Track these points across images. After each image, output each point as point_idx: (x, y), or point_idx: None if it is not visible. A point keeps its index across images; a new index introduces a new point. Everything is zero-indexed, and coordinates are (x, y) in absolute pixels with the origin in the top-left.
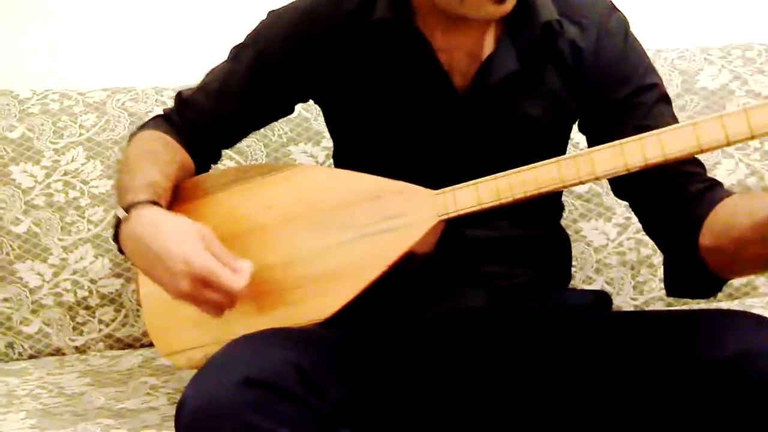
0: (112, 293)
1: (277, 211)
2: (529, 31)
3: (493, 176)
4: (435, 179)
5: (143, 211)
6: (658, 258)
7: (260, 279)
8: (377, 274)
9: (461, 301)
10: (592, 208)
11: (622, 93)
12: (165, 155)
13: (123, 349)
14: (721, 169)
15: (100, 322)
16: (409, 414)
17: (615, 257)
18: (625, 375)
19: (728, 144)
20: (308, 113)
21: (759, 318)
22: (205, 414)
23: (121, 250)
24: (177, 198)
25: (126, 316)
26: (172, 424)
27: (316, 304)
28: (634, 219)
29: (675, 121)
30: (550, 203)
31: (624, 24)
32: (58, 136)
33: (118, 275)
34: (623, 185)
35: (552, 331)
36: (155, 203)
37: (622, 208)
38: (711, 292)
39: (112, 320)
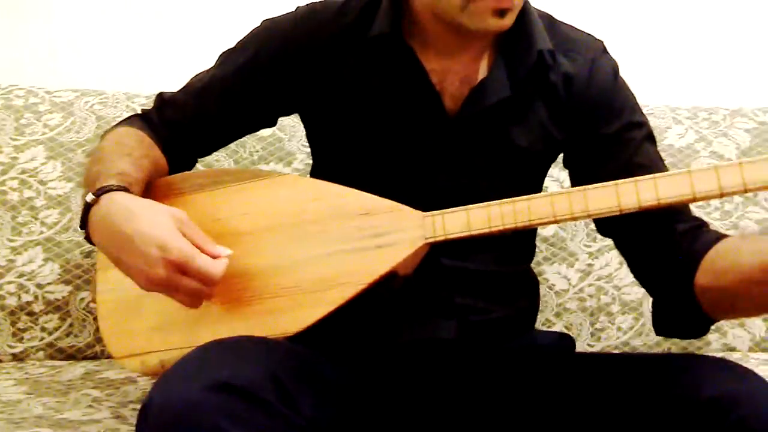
0: (58, 300)
1: (257, 218)
2: (524, 58)
3: (485, 204)
4: (418, 200)
5: (115, 195)
6: (617, 306)
7: (232, 285)
8: (356, 291)
9: (432, 331)
10: (556, 252)
11: (612, 128)
12: (138, 150)
13: (65, 359)
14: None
15: (43, 329)
16: None
17: (575, 302)
18: (602, 414)
19: (721, 195)
20: (282, 133)
21: (734, 364)
22: (173, 417)
23: (88, 239)
24: (149, 195)
25: (71, 325)
26: None
27: (291, 316)
28: (597, 266)
29: (662, 161)
30: (526, 242)
31: (614, 64)
32: (19, 133)
33: (67, 282)
34: (609, 222)
35: (524, 370)
36: (127, 190)
37: (584, 255)
38: (700, 332)
39: (56, 328)
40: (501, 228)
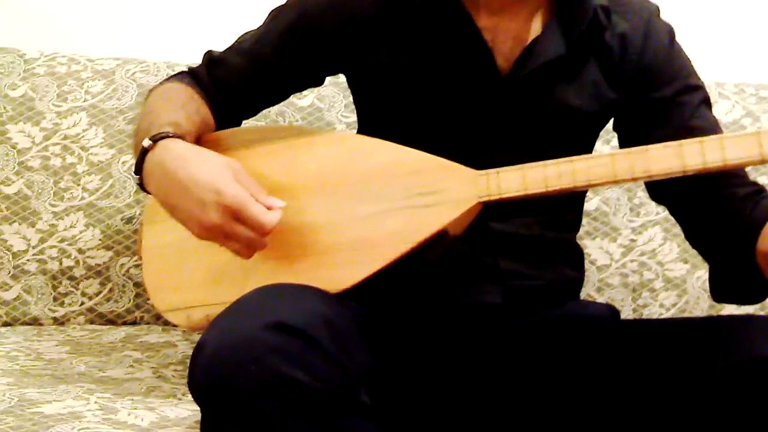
0: (99, 265)
1: (305, 175)
2: (579, 16)
3: (541, 162)
4: (468, 160)
5: (170, 142)
6: (660, 283)
7: (281, 241)
8: (406, 249)
9: (478, 296)
10: (598, 227)
11: (668, 91)
12: (190, 105)
13: (105, 324)
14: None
15: (84, 294)
16: (423, 399)
17: (617, 278)
18: (650, 380)
19: None
20: (321, 103)
21: None
22: (228, 356)
23: (141, 186)
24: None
25: (111, 290)
26: (158, 394)
27: (340, 272)
28: (640, 241)
29: (718, 125)
30: (574, 210)
31: (670, 27)
32: (62, 99)
33: (108, 247)
34: (662, 188)
35: (570, 337)
36: (182, 138)
37: (627, 230)
38: (760, 297)
39: (97, 293)
40: (558, 188)
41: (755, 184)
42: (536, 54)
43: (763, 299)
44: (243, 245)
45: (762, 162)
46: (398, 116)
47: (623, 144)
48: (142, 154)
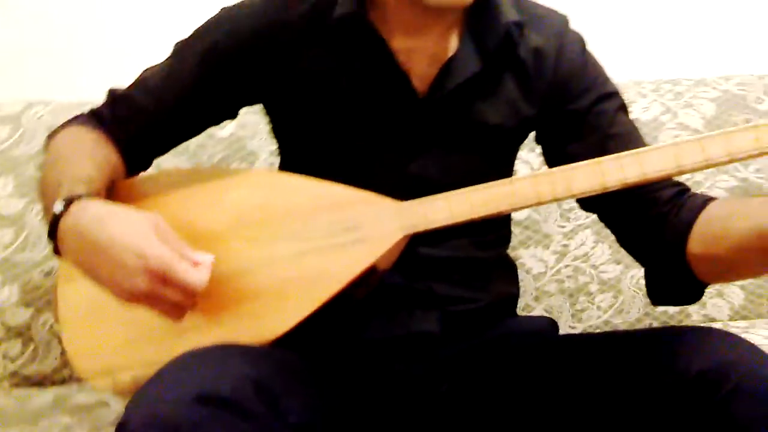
0: (20, 325)
1: (227, 218)
2: (492, 32)
3: (464, 190)
4: (390, 187)
5: (86, 203)
6: (595, 286)
7: (206, 291)
8: (336, 290)
9: (414, 326)
10: (530, 235)
11: (584, 102)
12: (98, 153)
13: (32, 386)
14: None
15: (6, 357)
16: None
17: (554, 285)
18: (592, 396)
19: (707, 166)
20: (243, 131)
21: (721, 332)
22: None
23: (56, 251)
24: (111, 199)
25: (35, 350)
26: None
27: (269, 320)
28: (572, 246)
29: (636, 130)
30: (503, 226)
31: (581, 38)
32: None
33: (27, 304)
34: (590, 197)
35: (510, 357)
36: (95, 197)
37: (559, 236)
38: (695, 297)
39: (20, 355)
40: (484, 214)
41: (679, 184)
42: (452, 73)
43: (699, 299)
44: (172, 308)
45: (680, 173)
46: (318, 144)
47: (547, 155)
48: (55, 220)
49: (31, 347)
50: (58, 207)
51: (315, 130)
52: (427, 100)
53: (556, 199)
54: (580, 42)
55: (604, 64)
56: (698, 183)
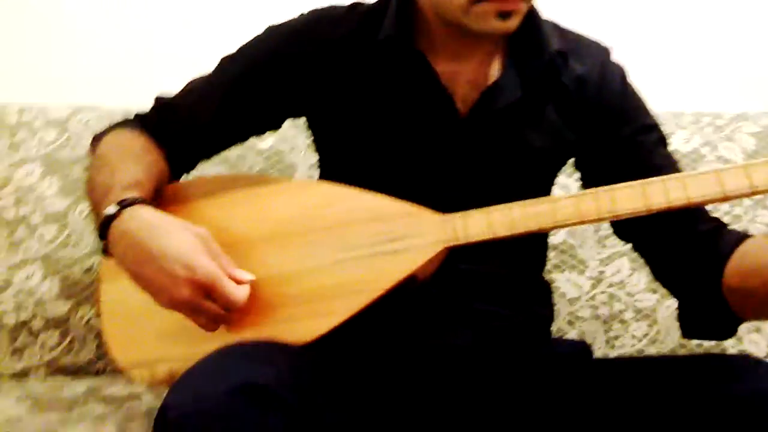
0: (59, 317)
1: (268, 225)
2: (535, 60)
3: (505, 206)
4: (431, 201)
5: (138, 210)
6: (630, 314)
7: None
8: (372, 298)
9: (448, 338)
10: (566, 259)
11: (625, 131)
12: (146, 157)
13: (66, 376)
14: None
15: (43, 347)
16: None
17: (588, 310)
18: (625, 419)
19: (753, 193)
20: (283, 145)
21: (761, 361)
22: (191, 422)
23: (105, 251)
24: (157, 203)
25: (72, 341)
26: None
27: (306, 325)
28: (608, 272)
29: (677, 163)
30: (540, 248)
31: (622, 70)
32: (14, 150)
33: (67, 298)
34: (627, 226)
35: (543, 378)
36: (147, 202)
37: (595, 262)
38: (730, 333)
39: (57, 345)
40: (524, 230)
41: (716, 219)
42: (494, 98)
43: (733, 334)
44: (210, 320)
45: (724, 200)
46: (359, 159)
47: (585, 181)
48: (107, 221)
49: (68, 339)
50: (111, 210)
51: (356, 146)
52: (468, 121)
53: (600, 219)
54: (622, 73)
55: (643, 94)
56: (737, 217)
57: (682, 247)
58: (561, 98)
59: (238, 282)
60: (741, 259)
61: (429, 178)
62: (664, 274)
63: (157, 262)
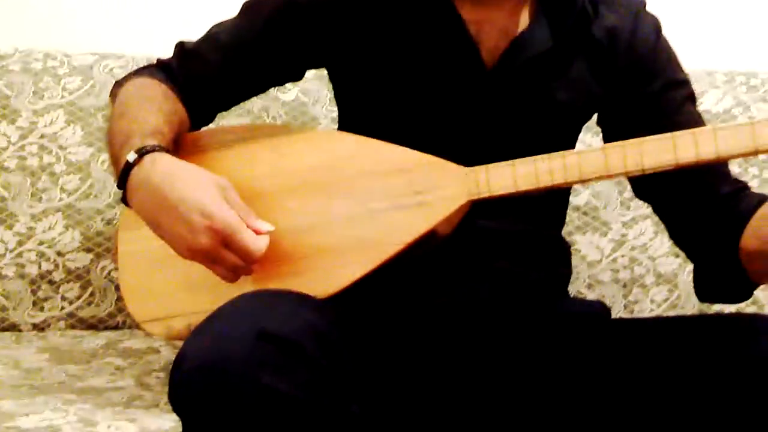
0: (79, 269)
1: (290, 176)
2: (566, 9)
3: (531, 158)
4: (453, 157)
5: (158, 157)
6: (651, 278)
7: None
8: (396, 250)
9: (466, 293)
10: (588, 221)
11: (655, 86)
12: (166, 105)
13: (86, 329)
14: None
15: (64, 299)
16: (416, 403)
17: (608, 273)
18: (642, 379)
19: None
20: (306, 97)
21: None
22: (209, 368)
23: (124, 200)
24: (175, 153)
25: (92, 294)
26: (140, 404)
27: (327, 277)
28: (630, 236)
29: (702, 122)
30: (561, 206)
31: (657, 21)
32: (38, 97)
33: (88, 250)
34: (647, 185)
35: (560, 335)
36: (167, 151)
37: (618, 225)
38: (744, 296)
39: (77, 298)
40: (550, 184)
41: (739, 181)
42: (522, 48)
43: (748, 297)
44: (229, 270)
45: (756, 153)
46: (381, 109)
47: (607, 138)
48: (126, 169)
49: (89, 291)
50: (131, 157)
51: (378, 95)
52: (495, 72)
53: (627, 173)
54: (656, 25)
55: (676, 51)
56: (766, 180)
57: (701, 209)
58: (591, 50)
59: (258, 232)
60: (760, 223)
61: (452, 129)
62: (681, 235)
63: (175, 210)
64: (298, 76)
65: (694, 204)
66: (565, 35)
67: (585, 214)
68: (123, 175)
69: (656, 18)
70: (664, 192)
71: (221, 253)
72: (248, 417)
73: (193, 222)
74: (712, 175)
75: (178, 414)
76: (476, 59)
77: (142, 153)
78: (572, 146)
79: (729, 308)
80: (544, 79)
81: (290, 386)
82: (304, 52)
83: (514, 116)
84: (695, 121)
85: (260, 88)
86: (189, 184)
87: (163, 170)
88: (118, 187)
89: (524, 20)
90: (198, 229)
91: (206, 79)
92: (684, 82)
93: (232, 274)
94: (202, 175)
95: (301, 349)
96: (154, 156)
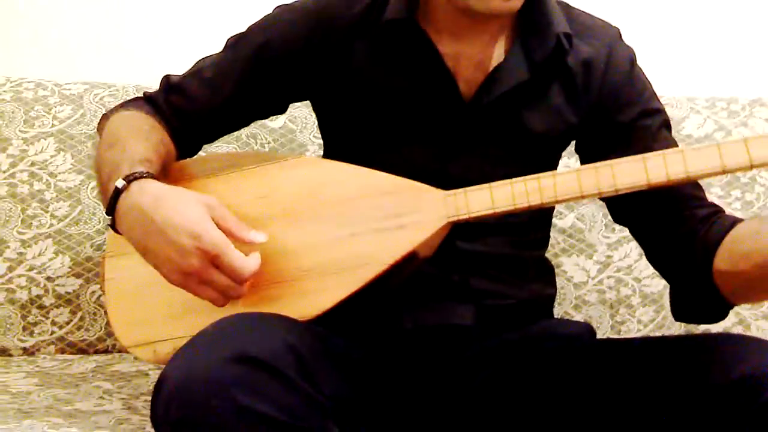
0: (69, 293)
1: (274, 201)
2: (542, 42)
3: (508, 180)
4: (434, 185)
5: (145, 183)
6: (637, 299)
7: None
8: (376, 273)
9: (449, 317)
10: (574, 243)
11: (629, 115)
12: (153, 135)
13: (76, 353)
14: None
15: (54, 323)
16: (397, 426)
17: (594, 294)
18: (631, 398)
19: (752, 167)
20: (293, 125)
21: (761, 341)
22: (189, 391)
23: (113, 226)
24: (163, 181)
25: (82, 318)
26: (126, 427)
27: (310, 300)
28: (616, 257)
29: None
30: (542, 229)
31: (631, 51)
32: (29, 126)
33: (77, 275)
34: (624, 209)
35: (543, 356)
36: (155, 178)
37: (603, 246)
38: (720, 316)
39: (67, 322)
40: (526, 205)
41: (713, 205)
42: (499, 81)
43: (723, 318)
44: (218, 293)
45: (723, 172)
46: (362, 142)
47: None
48: (115, 195)
49: (79, 315)
50: (119, 183)
51: (359, 127)
52: (471, 105)
53: (600, 194)
54: (630, 56)
55: (657, 78)
56: (749, 203)
57: (676, 232)
58: (566, 81)
59: (250, 242)
60: (732, 244)
61: (432, 160)
62: (657, 257)
63: (163, 233)
64: (281, 110)
65: (669, 227)
66: (541, 66)
67: (570, 236)
68: (112, 201)
69: (630, 49)
70: (640, 215)
71: (211, 274)
72: None
73: (182, 244)
74: (686, 199)
75: None
76: (454, 92)
77: (130, 180)
78: (553, 170)
79: (716, 327)
80: (520, 110)
81: (269, 407)
82: (286, 88)
83: (491, 146)
84: (671, 147)
85: (244, 122)
86: (176, 207)
87: (151, 195)
88: (107, 213)
89: (500, 53)
90: (187, 251)
91: (191, 114)
92: (658, 111)
93: (222, 297)
94: (189, 197)
95: (279, 371)
96: (142, 183)
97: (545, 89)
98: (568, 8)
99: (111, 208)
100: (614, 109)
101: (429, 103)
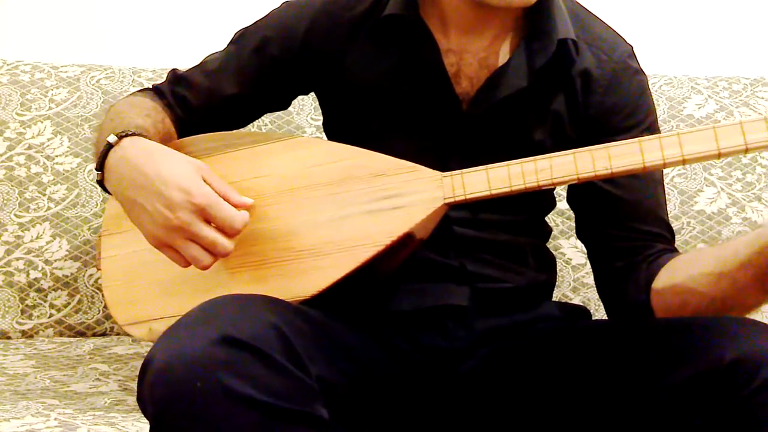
0: (67, 277)
1: (271, 181)
2: (544, 47)
3: (505, 162)
4: None
5: (137, 139)
6: None
7: (245, 249)
8: (374, 253)
9: (444, 298)
10: (572, 225)
11: (631, 134)
12: (155, 114)
13: (74, 336)
14: (703, 197)
15: (52, 306)
16: (385, 406)
17: (592, 277)
18: (620, 383)
19: (747, 151)
20: (290, 107)
21: (755, 322)
22: (174, 372)
23: (101, 185)
24: None
25: (80, 302)
26: (122, 408)
27: (305, 280)
28: None
29: (664, 194)
30: (541, 217)
31: (643, 79)
32: (26, 108)
33: (75, 258)
34: (586, 227)
35: (538, 339)
36: (147, 138)
37: None
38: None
39: (65, 305)
40: (522, 187)
41: (671, 247)
42: (501, 83)
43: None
44: (205, 249)
45: (719, 156)
46: (362, 140)
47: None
48: (105, 150)
49: (77, 298)
50: (111, 138)
51: (359, 126)
52: (471, 106)
53: (596, 176)
54: (641, 80)
55: (659, 58)
56: (749, 184)
57: (624, 266)
58: (569, 91)
59: (240, 206)
60: (673, 263)
61: (428, 160)
62: (602, 285)
63: (153, 185)
64: (283, 105)
65: (619, 257)
66: (541, 73)
67: (569, 218)
68: (102, 156)
69: (642, 72)
70: (599, 240)
71: (200, 229)
72: (211, 419)
73: (171, 197)
74: (645, 234)
75: (146, 416)
76: (449, 92)
77: (121, 135)
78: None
79: None
80: (520, 117)
81: (254, 389)
82: (289, 84)
83: (488, 152)
84: (657, 180)
85: (246, 117)
86: (167, 161)
87: (142, 150)
88: (96, 168)
89: (505, 53)
90: (176, 204)
91: (196, 107)
92: (653, 130)
93: (209, 255)
94: (180, 156)
95: (264, 353)
96: (134, 138)
97: (547, 97)
98: (578, 11)
99: (100, 164)
100: (611, 129)
101: (426, 104)
